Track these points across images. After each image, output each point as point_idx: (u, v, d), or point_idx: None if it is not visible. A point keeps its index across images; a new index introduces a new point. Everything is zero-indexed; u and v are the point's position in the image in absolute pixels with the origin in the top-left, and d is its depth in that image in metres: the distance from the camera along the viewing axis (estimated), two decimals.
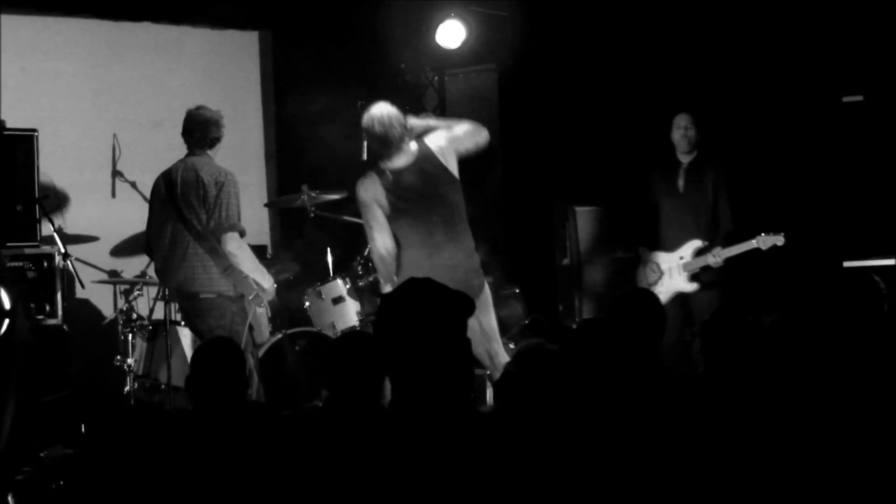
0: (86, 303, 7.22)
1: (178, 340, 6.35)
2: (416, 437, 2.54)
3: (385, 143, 5.25)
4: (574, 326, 7.28)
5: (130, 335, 6.41)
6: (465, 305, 2.68)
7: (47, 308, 6.20)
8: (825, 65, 7.02)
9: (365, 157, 5.54)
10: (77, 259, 6.34)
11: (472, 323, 3.12)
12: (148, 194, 5.97)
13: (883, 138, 6.88)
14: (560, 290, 7.52)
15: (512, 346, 6.03)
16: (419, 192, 5.26)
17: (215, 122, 5.74)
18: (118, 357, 6.39)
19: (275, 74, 8.40)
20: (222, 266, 5.59)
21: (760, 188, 7.06)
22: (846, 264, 6.63)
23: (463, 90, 8.50)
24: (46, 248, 6.29)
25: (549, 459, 2.93)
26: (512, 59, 8.02)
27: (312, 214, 6.87)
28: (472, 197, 5.60)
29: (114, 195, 7.48)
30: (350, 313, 6.56)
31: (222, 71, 8.15)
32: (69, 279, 6.52)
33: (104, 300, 7.23)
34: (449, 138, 5.36)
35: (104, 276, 7.09)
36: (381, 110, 5.27)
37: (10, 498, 4.79)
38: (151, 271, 6.33)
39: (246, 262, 5.61)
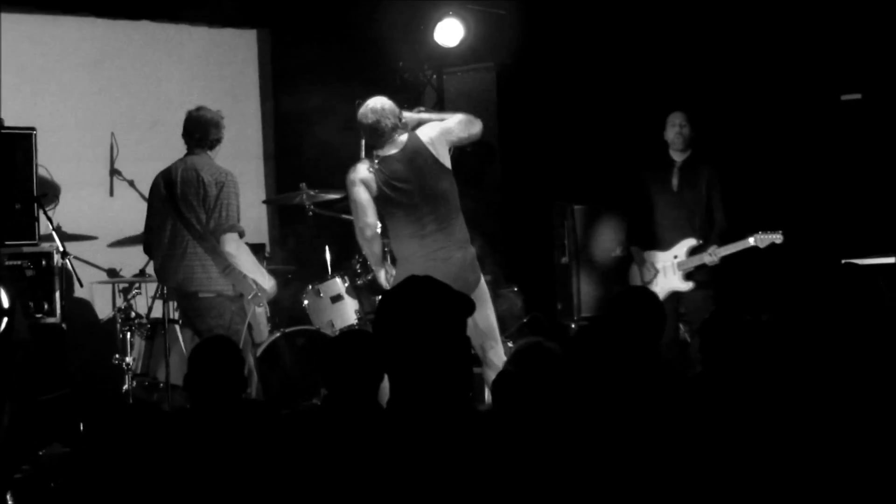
0: (84, 301, 7.21)
1: (176, 339, 6.35)
2: (414, 435, 2.54)
3: (376, 132, 5.27)
4: (574, 327, 7.31)
5: (129, 333, 6.39)
6: (464, 305, 2.68)
7: (46, 306, 6.18)
8: (824, 62, 7.02)
9: (363, 154, 5.55)
10: (75, 257, 6.33)
11: None
12: (146, 192, 5.97)
13: (881, 136, 6.89)
14: (559, 288, 7.53)
15: (510, 344, 6.03)
16: (410, 184, 5.26)
17: (215, 124, 5.73)
18: (117, 355, 6.37)
19: (273, 72, 8.40)
20: (221, 266, 5.58)
21: (758, 186, 7.06)
22: (844, 262, 6.63)
23: (461, 88, 8.49)
24: (45, 247, 6.27)
25: (548, 458, 2.93)
26: (510, 58, 8.03)
27: (311, 213, 6.86)
28: (471, 195, 5.60)
29: (112, 193, 7.47)
30: (348, 312, 6.56)
31: (220, 69, 8.15)
32: (68, 278, 6.50)
33: (103, 299, 7.22)
34: (440, 130, 5.38)
35: (103, 275, 7.09)
36: (376, 101, 5.31)
37: (8, 496, 4.79)
38: (150, 270, 6.33)
39: (245, 262, 5.61)
